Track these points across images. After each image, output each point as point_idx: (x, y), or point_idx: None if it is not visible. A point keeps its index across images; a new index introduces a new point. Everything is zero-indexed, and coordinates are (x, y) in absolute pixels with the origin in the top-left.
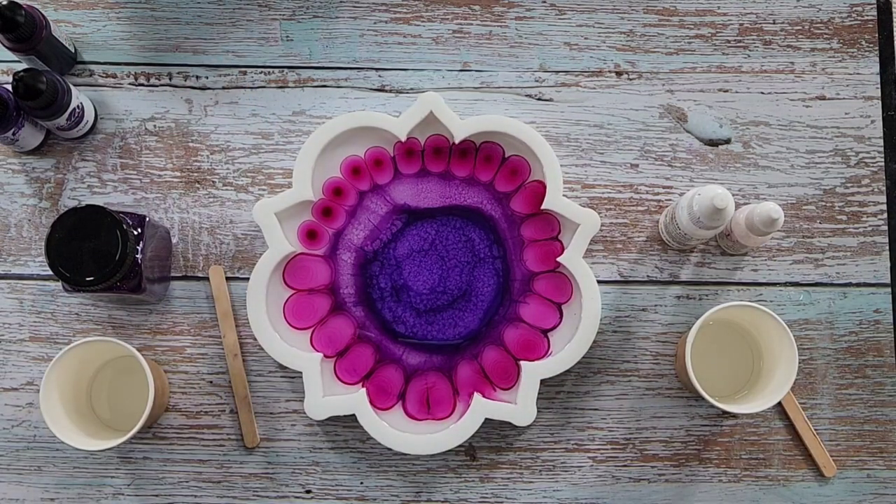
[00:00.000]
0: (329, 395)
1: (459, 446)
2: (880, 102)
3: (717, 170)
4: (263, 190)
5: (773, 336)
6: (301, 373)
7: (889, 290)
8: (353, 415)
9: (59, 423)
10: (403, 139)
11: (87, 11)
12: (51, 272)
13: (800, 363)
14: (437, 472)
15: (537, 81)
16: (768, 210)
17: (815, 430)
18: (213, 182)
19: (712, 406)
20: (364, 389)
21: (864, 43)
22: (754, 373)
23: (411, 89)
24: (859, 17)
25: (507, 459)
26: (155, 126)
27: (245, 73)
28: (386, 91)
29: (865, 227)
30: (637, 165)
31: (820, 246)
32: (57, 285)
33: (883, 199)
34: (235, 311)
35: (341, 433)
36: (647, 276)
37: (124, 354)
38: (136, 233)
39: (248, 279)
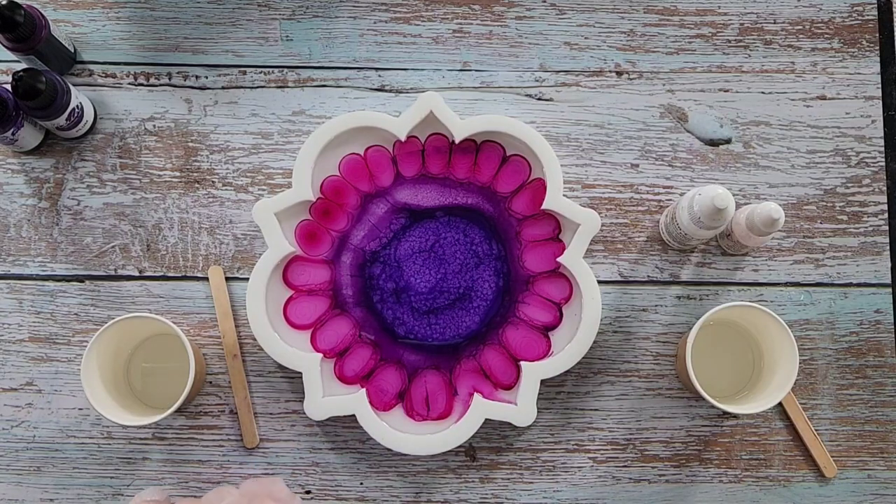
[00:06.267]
0: (329, 396)
1: (459, 447)
2: (881, 102)
3: (718, 170)
4: (263, 190)
5: (773, 336)
6: (301, 373)
7: (890, 290)
8: (353, 415)
9: (99, 398)
10: (403, 139)
11: (87, 11)
12: (50, 272)
13: (800, 363)
14: (437, 473)
15: (537, 81)
16: (769, 210)
17: (816, 430)
18: (212, 182)
19: (713, 406)
20: (364, 390)
21: (864, 42)
22: (755, 373)
23: (411, 89)
24: (860, 17)
25: (508, 460)
26: (154, 126)
27: (245, 73)
28: (386, 91)
29: (866, 227)
30: (637, 165)
31: (820, 246)
32: (57, 285)
33: (884, 198)
34: (235, 311)
35: (341, 434)
36: (648, 276)
37: (159, 333)
38: None
39: (247, 279)
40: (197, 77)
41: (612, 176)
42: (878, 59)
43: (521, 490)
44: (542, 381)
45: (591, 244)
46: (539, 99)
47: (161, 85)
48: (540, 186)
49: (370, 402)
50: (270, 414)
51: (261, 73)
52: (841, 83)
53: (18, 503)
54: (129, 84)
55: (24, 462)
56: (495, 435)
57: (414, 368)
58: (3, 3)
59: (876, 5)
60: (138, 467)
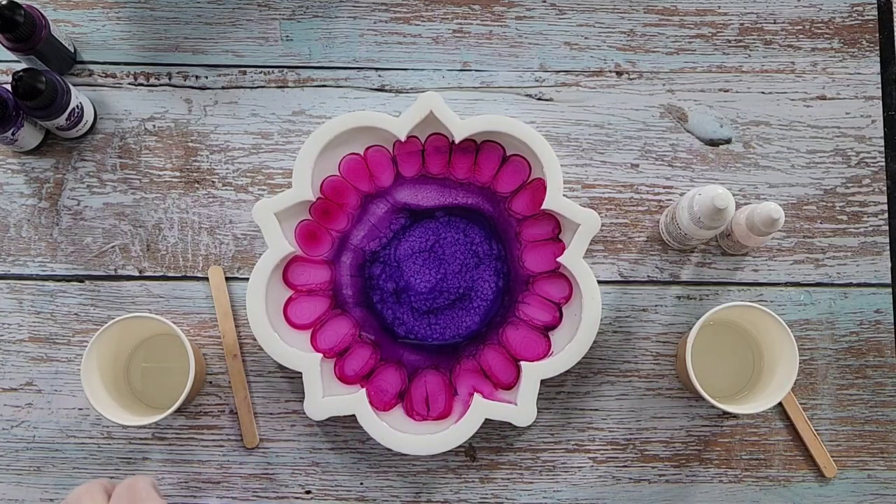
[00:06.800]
0: (329, 396)
1: (459, 447)
2: (881, 102)
3: (718, 170)
4: (263, 190)
5: (773, 336)
6: (301, 373)
7: (890, 290)
8: (353, 415)
9: (99, 398)
10: (403, 139)
11: (87, 11)
12: (50, 272)
13: (800, 363)
14: (437, 473)
15: (537, 81)
16: (769, 210)
17: (816, 430)
18: (212, 182)
19: (713, 406)
20: (364, 390)
21: (864, 42)
22: (755, 373)
23: (411, 89)
24: (860, 17)
25: (508, 460)
26: (154, 126)
27: (245, 73)
28: (386, 91)
29: (866, 227)
30: (637, 165)
31: (820, 246)
32: (57, 285)
33: (883, 199)
34: (235, 311)
35: (341, 434)
36: (648, 276)
37: (159, 334)
38: None
39: (247, 279)
40: (197, 77)
41: (612, 176)
42: (878, 59)
43: (521, 490)
44: (542, 381)
45: (591, 244)
46: (539, 99)
47: (161, 85)
48: (540, 186)
49: (370, 402)
50: (270, 414)
51: (261, 73)
52: (841, 83)
53: (18, 503)
54: (129, 84)
55: (24, 462)
56: (495, 435)
57: (414, 368)
58: (3, 3)
59: (876, 5)
60: (138, 467)
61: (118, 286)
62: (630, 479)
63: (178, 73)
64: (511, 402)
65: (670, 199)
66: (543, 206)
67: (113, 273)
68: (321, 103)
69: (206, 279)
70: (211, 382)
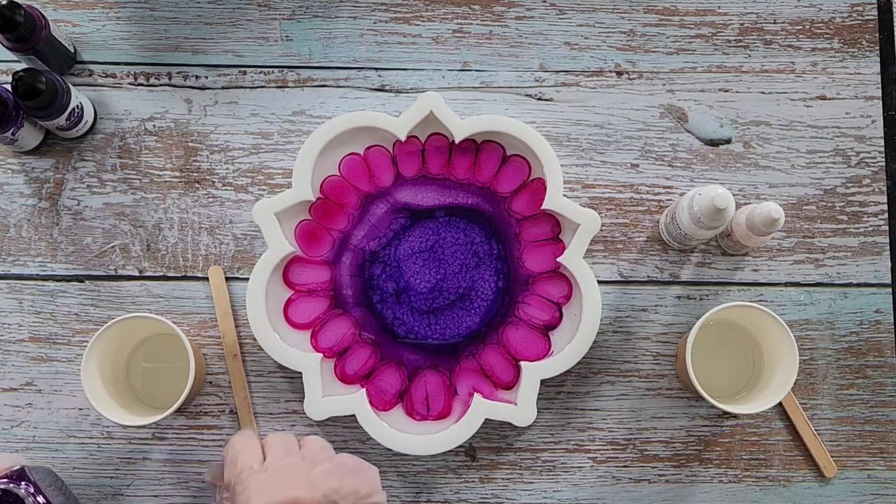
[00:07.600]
0: (329, 396)
1: (459, 447)
2: (881, 102)
3: (718, 170)
4: (263, 190)
5: (773, 336)
6: (301, 373)
7: (890, 290)
8: (353, 415)
9: (99, 398)
10: (403, 139)
11: (87, 11)
12: (50, 272)
13: (800, 363)
14: (437, 473)
15: (537, 81)
16: (769, 210)
17: (816, 430)
18: (212, 182)
19: (713, 406)
20: (364, 390)
21: (864, 42)
22: (755, 373)
23: (411, 89)
24: (860, 17)
25: (508, 460)
26: (154, 126)
27: (245, 73)
28: (386, 91)
29: (866, 227)
30: (637, 165)
31: (820, 246)
32: (56, 285)
33: (883, 198)
34: (235, 311)
35: (341, 433)
36: (648, 276)
37: (159, 333)
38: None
39: (247, 279)
40: (197, 77)
41: (612, 176)
42: (878, 59)
43: (521, 490)
44: (542, 381)
45: (591, 244)
46: (539, 99)
47: (161, 85)
48: (540, 186)
49: (370, 402)
50: (270, 414)
51: (261, 73)
52: (841, 83)
53: None
54: (129, 84)
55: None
56: (495, 435)
57: (414, 368)
58: (3, 3)
59: (876, 5)
60: (138, 467)
61: (118, 286)
62: (630, 479)
63: (178, 73)
64: (511, 402)
65: (670, 199)
66: (543, 206)
67: (113, 273)
68: (321, 103)
69: (206, 279)
70: (211, 382)
